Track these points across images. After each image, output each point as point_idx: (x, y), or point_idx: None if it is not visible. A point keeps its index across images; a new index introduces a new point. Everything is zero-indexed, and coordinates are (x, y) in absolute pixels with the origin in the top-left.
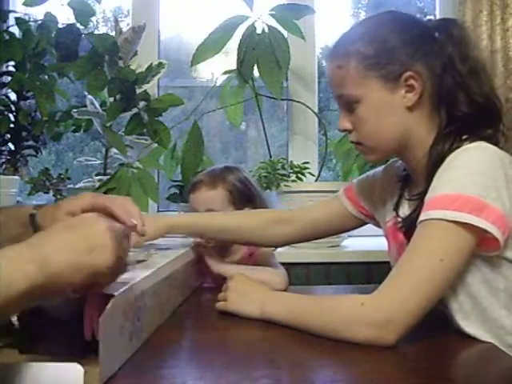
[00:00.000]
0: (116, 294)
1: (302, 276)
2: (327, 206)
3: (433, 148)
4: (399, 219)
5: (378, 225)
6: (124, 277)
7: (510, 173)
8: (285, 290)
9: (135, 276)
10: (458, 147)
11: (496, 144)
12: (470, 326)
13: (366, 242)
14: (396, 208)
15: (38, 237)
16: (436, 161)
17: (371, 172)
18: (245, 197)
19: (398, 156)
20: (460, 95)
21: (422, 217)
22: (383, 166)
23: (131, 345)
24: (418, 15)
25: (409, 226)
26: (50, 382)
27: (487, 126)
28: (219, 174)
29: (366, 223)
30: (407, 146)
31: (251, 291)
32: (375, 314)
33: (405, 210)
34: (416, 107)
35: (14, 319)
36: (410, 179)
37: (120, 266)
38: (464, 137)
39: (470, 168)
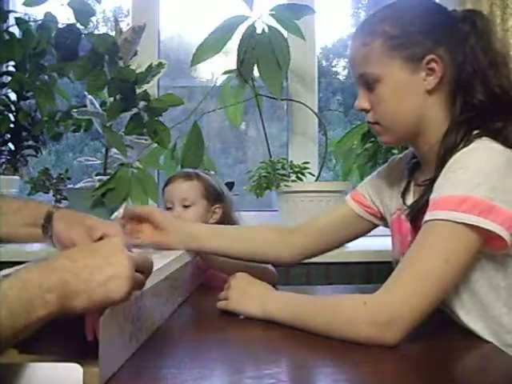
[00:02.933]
0: None
1: (301, 276)
2: (335, 212)
3: (446, 136)
4: (405, 207)
5: (386, 225)
6: None
7: None
8: (274, 286)
9: None
10: (467, 145)
11: (506, 139)
12: (470, 322)
13: (366, 242)
14: (403, 196)
15: (60, 259)
16: (447, 149)
17: (374, 173)
18: (217, 194)
19: (411, 141)
20: (477, 84)
21: (427, 216)
22: (385, 165)
23: (131, 345)
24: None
25: (415, 213)
26: (49, 382)
27: (499, 117)
28: (192, 171)
29: (376, 226)
30: (421, 131)
31: (252, 290)
32: (377, 313)
33: (411, 198)
34: (435, 91)
35: None
36: (418, 167)
37: (132, 294)
38: (475, 132)
39: (477, 170)
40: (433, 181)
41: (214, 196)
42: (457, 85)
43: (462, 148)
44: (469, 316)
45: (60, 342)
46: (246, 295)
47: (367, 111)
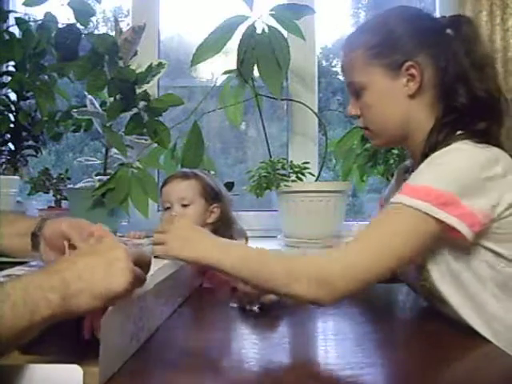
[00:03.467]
0: None
1: None
2: None
3: (429, 136)
4: None
5: None
6: None
7: (492, 175)
8: None
9: None
10: (448, 144)
11: (489, 138)
12: (463, 314)
13: None
14: None
15: (61, 263)
16: (430, 147)
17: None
18: (215, 194)
19: (401, 143)
20: (460, 88)
21: (393, 199)
22: (395, 172)
23: (131, 345)
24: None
25: None
26: (49, 383)
27: (482, 119)
28: (191, 171)
29: None
30: (409, 133)
31: (195, 238)
32: (320, 270)
33: None
34: (417, 96)
35: None
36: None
37: (136, 286)
38: (458, 132)
39: (452, 167)
40: None
41: (211, 195)
42: (441, 88)
43: (444, 146)
44: (461, 308)
45: (59, 342)
46: (188, 242)
47: (358, 117)
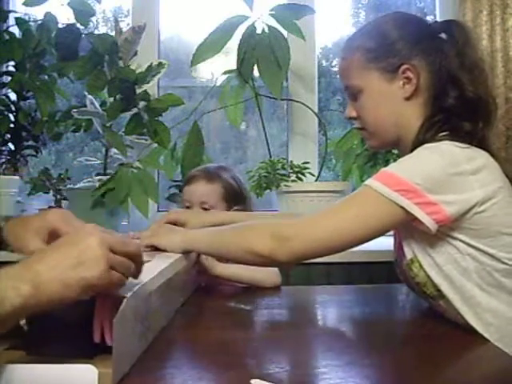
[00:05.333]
0: (128, 295)
1: (302, 276)
2: None
3: (417, 134)
4: None
5: None
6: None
7: (461, 171)
8: (278, 287)
9: (142, 277)
10: (431, 141)
11: (471, 141)
12: (457, 308)
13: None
14: None
15: (34, 256)
16: (416, 144)
17: None
18: (237, 196)
19: (395, 144)
20: (451, 89)
21: (366, 181)
22: None
23: (140, 346)
24: (418, 15)
25: None
26: (63, 383)
27: (468, 119)
28: (215, 171)
29: None
30: (402, 134)
31: (177, 230)
32: (277, 227)
33: None
34: (412, 98)
35: (23, 322)
36: None
37: (113, 276)
38: (443, 133)
39: (421, 160)
40: None
41: (233, 198)
42: (432, 91)
43: (427, 143)
44: (452, 302)
45: (69, 343)
46: (170, 230)
47: (355, 119)
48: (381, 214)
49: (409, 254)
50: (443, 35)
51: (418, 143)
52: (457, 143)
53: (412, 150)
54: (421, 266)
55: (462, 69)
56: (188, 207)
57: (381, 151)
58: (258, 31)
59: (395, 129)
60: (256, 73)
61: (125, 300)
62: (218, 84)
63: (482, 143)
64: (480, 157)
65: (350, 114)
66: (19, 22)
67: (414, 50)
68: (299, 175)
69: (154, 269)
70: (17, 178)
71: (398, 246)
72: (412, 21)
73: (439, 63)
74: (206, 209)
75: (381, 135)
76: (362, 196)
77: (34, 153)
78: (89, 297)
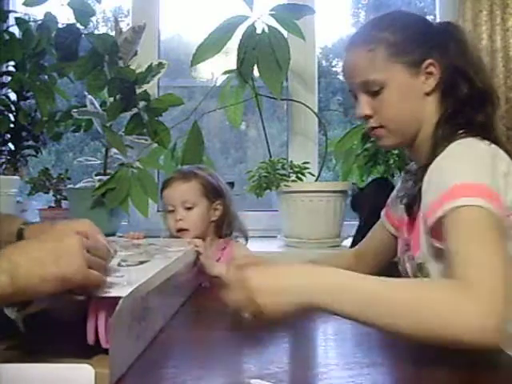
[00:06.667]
0: (124, 295)
1: None
2: (375, 233)
3: (437, 129)
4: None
5: None
6: (129, 278)
7: (499, 165)
8: None
9: (140, 277)
10: (455, 139)
11: (488, 135)
12: None
13: None
14: (400, 194)
15: (13, 248)
16: (438, 139)
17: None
18: (216, 191)
19: (410, 142)
20: (461, 81)
21: (445, 207)
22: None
23: (138, 345)
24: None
25: (410, 199)
26: (60, 383)
27: (480, 110)
28: (189, 170)
29: None
30: (420, 131)
31: (286, 282)
32: (471, 301)
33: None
34: (431, 93)
35: (20, 323)
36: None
37: (91, 276)
38: (461, 131)
39: (469, 159)
40: (424, 168)
41: (213, 193)
42: (445, 85)
43: (451, 142)
44: None
45: (65, 343)
46: (281, 291)
47: (369, 117)
48: (492, 226)
49: (420, 259)
50: (446, 35)
51: (440, 136)
52: (483, 141)
53: (435, 144)
54: (430, 267)
55: (468, 63)
56: (171, 211)
57: (381, 151)
58: (258, 31)
59: (415, 125)
60: (256, 73)
61: (121, 300)
62: (217, 84)
63: (495, 134)
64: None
65: (364, 111)
66: (19, 22)
67: (433, 45)
68: (299, 175)
69: (151, 269)
70: (17, 177)
71: (413, 244)
72: (423, 19)
73: (449, 60)
74: (189, 208)
75: (401, 132)
76: (472, 221)
77: (34, 153)
78: (66, 291)
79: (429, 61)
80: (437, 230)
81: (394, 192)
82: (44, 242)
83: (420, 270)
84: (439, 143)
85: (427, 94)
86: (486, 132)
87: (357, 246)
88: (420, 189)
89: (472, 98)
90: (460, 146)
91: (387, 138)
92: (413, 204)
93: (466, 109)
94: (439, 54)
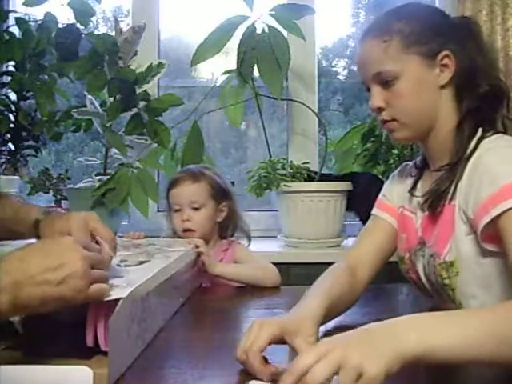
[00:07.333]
0: (123, 296)
1: (302, 276)
2: (373, 233)
3: (460, 125)
4: (416, 198)
5: None
6: (129, 278)
7: None
8: (277, 287)
9: (139, 277)
10: (481, 138)
11: (507, 133)
12: None
13: None
14: (411, 190)
15: (12, 261)
16: (464, 137)
17: (386, 182)
18: (224, 192)
19: (424, 135)
20: (479, 76)
21: (500, 209)
22: (396, 170)
23: (137, 346)
24: None
25: (435, 197)
26: None
27: (498, 106)
28: (198, 170)
29: None
30: (434, 125)
31: (369, 345)
32: None
33: (419, 190)
34: (446, 86)
35: (18, 324)
36: (425, 166)
37: (93, 295)
38: (487, 128)
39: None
40: (452, 166)
41: (220, 194)
42: (462, 79)
43: (479, 140)
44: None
45: (64, 344)
46: (370, 352)
47: (382, 109)
48: None
49: (450, 256)
50: (463, 29)
51: (466, 134)
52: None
53: (460, 141)
54: (460, 269)
55: (484, 59)
56: (178, 210)
57: (381, 151)
58: (258, 31)
59: (429, 119)
60: (256, 73)
61: (120, 301)
62: (217, 84)
63: (510, 130)
64: None
65: (377, 103)
66: (19, 22)
67: (449, 37)
68: (299, 175)
69: (151, 269)
70: (17, 178)
71: (406, 246)
72: (440, 11)
73: (465, 54)
74: (196, 208)
75: (413, 126)
76: None
77: (34, 153)
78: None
79: (444, 52)
80: (483, 231)
81: (389, 182)
82: (46, 257)
83: (446, 268)
84: (465, 140)
85: (442, 88)
86: (505, 129)
87: (346, 258)
88: (450, 184)
89: (491, 95)
90: (503, 143)
91: (400, 132)
92: (440, 200)
93: (486, 105)
94: (455, 46)
